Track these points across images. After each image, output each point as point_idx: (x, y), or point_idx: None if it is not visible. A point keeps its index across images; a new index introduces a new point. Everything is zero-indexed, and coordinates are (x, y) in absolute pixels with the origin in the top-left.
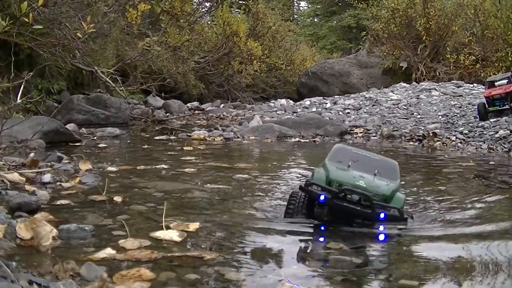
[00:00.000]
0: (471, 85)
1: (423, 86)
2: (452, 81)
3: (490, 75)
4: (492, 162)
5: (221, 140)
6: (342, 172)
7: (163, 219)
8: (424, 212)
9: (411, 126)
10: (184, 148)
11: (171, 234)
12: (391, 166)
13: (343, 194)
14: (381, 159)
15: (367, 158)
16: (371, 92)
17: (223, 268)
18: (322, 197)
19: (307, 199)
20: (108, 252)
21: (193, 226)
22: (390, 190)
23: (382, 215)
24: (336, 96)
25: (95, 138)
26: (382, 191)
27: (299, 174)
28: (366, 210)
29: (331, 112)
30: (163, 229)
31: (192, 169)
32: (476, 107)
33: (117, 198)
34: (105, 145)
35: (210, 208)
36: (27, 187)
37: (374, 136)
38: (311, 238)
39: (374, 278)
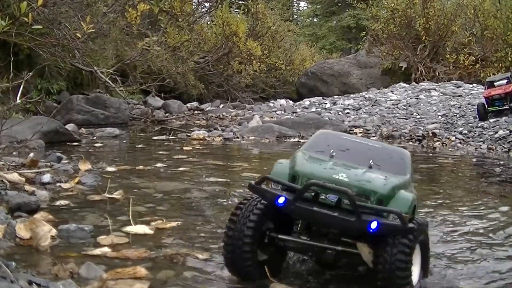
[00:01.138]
0: (471, 85)
1: (423, 86)
2: (452, 81)
3: (490, 75)
4: (485, 161)
5: (221, 140)
6: (316, 163)
7: (130, 214)
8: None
9: (410, 126)
10: (184, 148)
11: (140, 229)
12: (398, 156)
13: (313, 193)
14: (384, 147)
15: (363, 146)
16: (370, 92)
17: (223, 265)
18: (281, 200)
19: (263, 207)
20: (103, 250)
21: (170, 224)
22: (388, 187)
23: (373, 225)
24: (335, 96)
25: (94, 138)
26: (375, 188)
27: None
28: (348, 218)
29: (330, 112)
30: (132, 224)
31: (191, 169)
32: (475, 107)
33: (117, 195)
34: (104, 145)
35: (207, 208)
36: (27, 187)
37: (373, 136)
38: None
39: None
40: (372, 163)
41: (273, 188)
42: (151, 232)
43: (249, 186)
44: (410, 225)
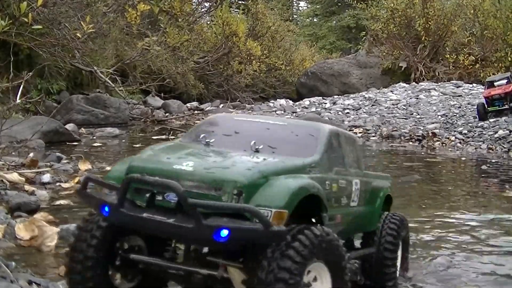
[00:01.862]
0: (471, 85)
1: (423, 86)
2: (452, 81)
3: (490, 75)
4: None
5: None
6: (163, 154)
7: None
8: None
9: (410, 126)
10: None
11: None
12: (307, 133)
13: (149, 195)
14: (292, 124)
15: (261, 126)
16: (370, 92)
17: None
18: (106, 208)
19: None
20: None
21: None
22: (252, 173)
23: (224, 233)
24: (335, 96)
25: (94, 138)
26: (229, 176)
27: None
28: (186, 224)
29: (330, 112)
30: None
31: None
32: (475, 107)
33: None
34: (104, 145)
35: None
36: (27, 187)
37: (373, 136)
38: None
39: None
40: (260, 146)
41: (107, 193)
42: None
43: (77, 191)
44: (279, 228)
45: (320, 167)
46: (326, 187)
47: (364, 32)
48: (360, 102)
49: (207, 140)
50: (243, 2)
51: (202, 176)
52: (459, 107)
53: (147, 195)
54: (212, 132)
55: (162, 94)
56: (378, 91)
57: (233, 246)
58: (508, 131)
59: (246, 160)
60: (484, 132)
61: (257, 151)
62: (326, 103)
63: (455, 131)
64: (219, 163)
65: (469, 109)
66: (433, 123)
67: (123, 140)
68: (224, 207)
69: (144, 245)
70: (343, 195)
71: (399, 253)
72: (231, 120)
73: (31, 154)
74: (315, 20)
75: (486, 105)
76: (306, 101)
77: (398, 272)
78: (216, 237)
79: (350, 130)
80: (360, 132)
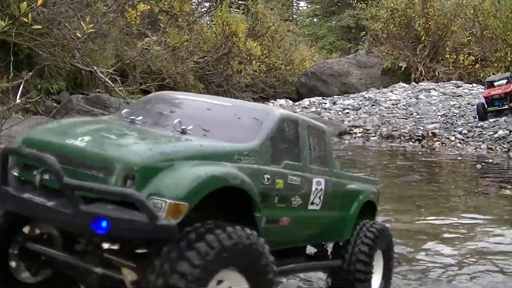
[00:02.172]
0: (470, 85)
1: (422, 86)
2: (451, 81)
3: (490, 75)
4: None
5: None
6: (64, 126)
7: None
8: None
9: (410, 126)
10: None
11: None
12: (250, 116)
13: (37, 173)
14: (237, 106)
15: (202, 106)
16: (370, 92)
17: None
18: None
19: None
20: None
21: None
22: (151, 154)
23: (103, 224)
24: (335, 96)
25: None
26: (121, 156)
27: None
28: (64, 210)
29: (330, 112)
30: None
31: None
32: (475, 107)
33: None
34: None
35: None
36: None
37: (373, 136)
38: None
39: None
40: (188, 127)
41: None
42: None
43: None
44: (168, 222)
45: (257, 157)
46: (265, 181)
47: (364, 32)
48: (360, 102)
49: (132, 117)
50: (243, 2)
51: (92, 153)
52: (459, 107)
53: (35, 172)
54: (146, 110)
55: None
56: (378, 91)
57: (127, 241)
58: (508, 131)
59: (154, 140)
60: (484, 132)
61: (183, 132)
62: (326, 103)
63: (455, 131)
64: (119, 141)
65: (469, 109)
66: (433, 123)
67: None
68: (103, 191)
69: (58, 234)
70: (295, 194)
71: (381, 266)
72: (172, 99)
73: None
74: (315, 20)
75: (486, 105)
76: (306, 101)
77: (376, 286)
78: (94, 227)
79: (350, 131)
80: (360, 132)
